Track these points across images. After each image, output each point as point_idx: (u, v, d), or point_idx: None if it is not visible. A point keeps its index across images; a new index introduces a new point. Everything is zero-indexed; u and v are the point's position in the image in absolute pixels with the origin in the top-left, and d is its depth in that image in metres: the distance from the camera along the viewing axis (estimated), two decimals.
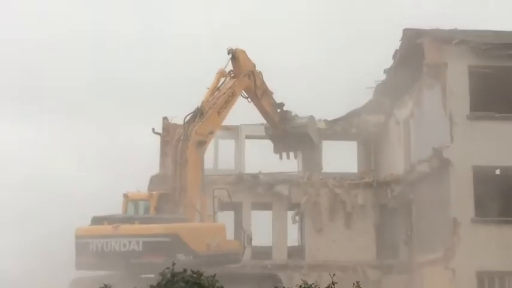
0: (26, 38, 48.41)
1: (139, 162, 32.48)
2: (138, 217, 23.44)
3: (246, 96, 26.41)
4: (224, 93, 24.84)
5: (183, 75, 42.90)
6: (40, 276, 28.12)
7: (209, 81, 25.34)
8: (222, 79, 25.49)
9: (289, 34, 49.28)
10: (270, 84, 27.20)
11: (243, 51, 25.64)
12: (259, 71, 26.34)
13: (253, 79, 25.86)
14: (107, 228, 22.69)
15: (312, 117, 28.93)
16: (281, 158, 29.16)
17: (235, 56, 25.25)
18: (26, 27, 50.36)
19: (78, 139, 40.51)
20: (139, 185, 25.73)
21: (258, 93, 26.27)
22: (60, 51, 48.06)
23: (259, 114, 28.04)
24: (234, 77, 25.43)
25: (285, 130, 27.87)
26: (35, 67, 46.66)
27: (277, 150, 29.00)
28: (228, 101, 25.03)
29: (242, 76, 25.44)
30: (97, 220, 23.31)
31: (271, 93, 27.26)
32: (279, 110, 27.92)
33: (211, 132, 24.81)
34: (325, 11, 48.97)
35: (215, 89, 25.01)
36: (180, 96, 32.80)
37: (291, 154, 29.16)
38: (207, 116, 24.28)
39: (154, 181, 25.68)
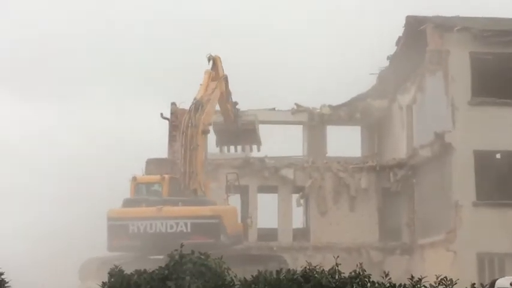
0: (34, 20, 48.98)
1: (144, 146, 33.02)
2: (179, 199, 23.69)
3: None
4: (213, 92, 26.87)
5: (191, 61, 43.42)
6: (55, 258, 28.67)
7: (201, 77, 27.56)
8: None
9: (294, 22, 49.76)
10: (280, 73, 28.52)
11: (219, 58, 28.10)
12: (226, 75, 28.45)
13: (226, 86, 28.09)
14: (149, 210, 22.90)
15: (256, 115, 30.92)
16: (221, 150, 31.25)
17: (214, 62, 27.58)
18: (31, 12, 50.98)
19: (88, 121, 41.09)
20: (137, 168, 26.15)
21: (227, 95, 28.40)
22: (71, 33, 48.57)
23: (264, 100, 29.45)
24: (213, 80, 27.47)
25: (237, 126, 29.94)
26: (49, 48, 47.17)
27: (220, 143, 31.01)
28: (215, 100, 27.32)
29: (222, 80, 27.68)
30: (132, 202, 23.55)
31: (230, 92, 29.30)
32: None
33: (210, 124, 26.90)
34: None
35: (206, 86, 27.03)
36: (189, 81, 33.44)
37: (232, 148, 31.10)
38: (206, 109, 25.97)
39: (150, 164, 26.01)
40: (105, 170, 35.10)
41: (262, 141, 31.17)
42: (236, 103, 29.91)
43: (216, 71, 27.75)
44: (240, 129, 30.15)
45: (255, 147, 31.13)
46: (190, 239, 21.83)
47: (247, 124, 30.27)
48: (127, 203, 23.55)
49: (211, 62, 27.74)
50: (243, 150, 30.79)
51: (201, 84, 27.18)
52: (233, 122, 29.94)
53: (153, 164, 25.79)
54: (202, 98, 26.24)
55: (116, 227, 23.15)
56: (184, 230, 22.50)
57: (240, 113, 30.30)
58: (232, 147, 31.07)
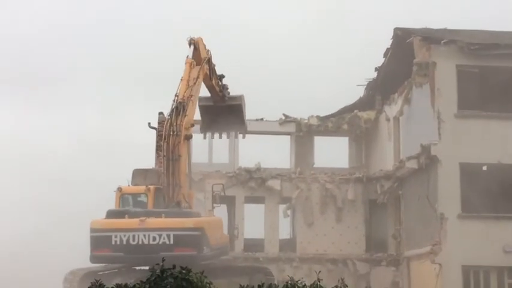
0: (26, 22, 48.84)
1: (136, 153, 32.74)
2: (162, 211, 23.44)
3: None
4: (195, 83, 24.92)
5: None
6: (37, 266, 28.43)
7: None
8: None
9: (283, 31, 49.89)
10: (267, 83, 27.51)
11: (201, 39, 25.81)
12: (208, 50, 26.30)
13: (209, 64, 26.11)
14: (132, 221, 22.54)
15: (243, 95, 28.30)
16: (205, 137, 28.89)
17: (195, 45, 25.52)
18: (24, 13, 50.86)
19: (79, 124, 40.86)
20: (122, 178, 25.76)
21: (211, 73, 26.42)
22: (66, 35, 48.37)
23: (252, 110, 28.51)
24: (196, 65, 25.43)
25: (223, 97, 27.57)
26: (38, 51, 46.99)
27: (204, 127, 28.37)
28: (198, 91, 25.29)
29: (204, 64, 25.59)
30: (115, 213, 23.22)
31: (214, 65, 27.02)
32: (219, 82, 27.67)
33: (193, 125, 25.13)
34: (317, 10, 49.60)
35: (188, 79, 24.97)
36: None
37: (216, 135, 28.75)
38: (188, 110, 24.39)
39: (137, 174, 25.58)
40: (94, 178, 34.89)
41: (249, 147, 29.84)
42: (223, 76, 27.43)
43: (197, 56, 25.36)
44: (226, 105, 27.55)
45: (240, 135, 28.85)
46: (172, 251, 21.63)
47: (234, 98, 27.66)
48: (110, 214, 23.28)
49: (191, 46, 25.21)
50: (228, 137, 28.89)
51: (181, 79, 24.73)
52: (219, 94, 27.51)
53: (139, 175, 25.30)
54: (184, 97, 24.38)
55: (99, 238, 22.83)
56: (167, 242, 22.22)
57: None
58: (216, 134, 28.55)
